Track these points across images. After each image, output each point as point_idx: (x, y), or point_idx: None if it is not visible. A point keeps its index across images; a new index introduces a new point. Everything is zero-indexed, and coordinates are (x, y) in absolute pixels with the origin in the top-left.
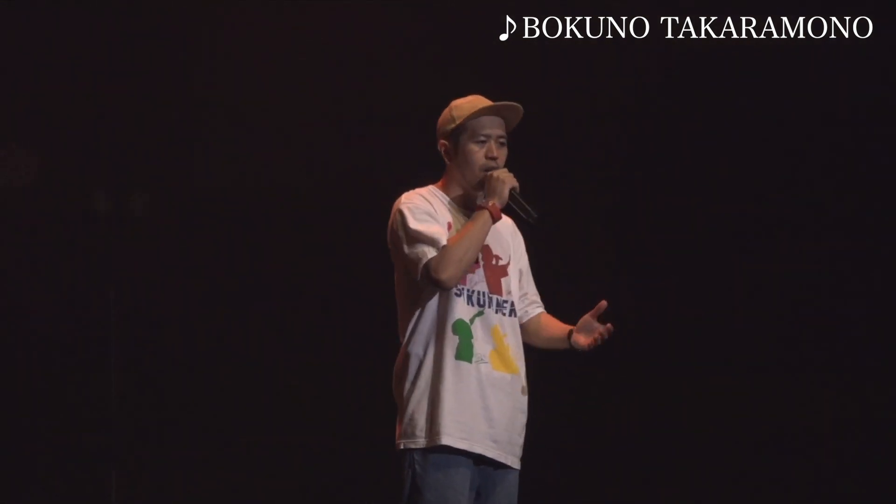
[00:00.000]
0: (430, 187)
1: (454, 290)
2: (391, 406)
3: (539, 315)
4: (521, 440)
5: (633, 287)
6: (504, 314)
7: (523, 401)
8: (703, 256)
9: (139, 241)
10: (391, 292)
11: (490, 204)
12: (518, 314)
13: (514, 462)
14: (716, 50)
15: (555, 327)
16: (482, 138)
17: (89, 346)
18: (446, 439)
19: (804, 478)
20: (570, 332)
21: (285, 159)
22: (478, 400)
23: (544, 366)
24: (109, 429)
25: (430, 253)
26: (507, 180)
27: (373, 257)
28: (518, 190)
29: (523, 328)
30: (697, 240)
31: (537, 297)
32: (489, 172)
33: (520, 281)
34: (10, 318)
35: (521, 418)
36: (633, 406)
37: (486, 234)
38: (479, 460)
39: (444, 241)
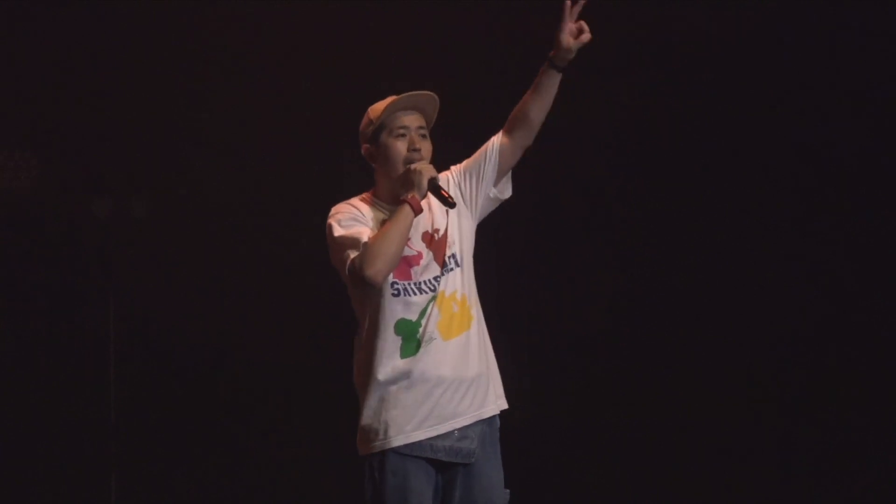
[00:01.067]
0: (363, 195)
1: (391, 291)
2: None
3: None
4: (492, 385)
5: (631, 288)
6: (452, 269)
7: (484, 347)
8: (705, 254)
9: (139, 245)
10: None
11: (409, 197)
12: (500, 141)
13: (490, 411)
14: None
15: (531, 87)
16: (401, 132)
17: (89, 351)
18: (399, 440)
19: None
20: (550, 58)
21: (285, 164)
22: (429, 390)
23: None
24: (109, 433)
25: (353, 254)
26: (425, 171)
27: None
28: (438, 180)
29: (516, 124)
30: (701, 237)
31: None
32: (409, 166)
33: (471, 168)
34: (11, 323)
35: (486, 367)
36: (630, 406)
37: (409, 226)
38: (439, 462)
39: (362, 240)
